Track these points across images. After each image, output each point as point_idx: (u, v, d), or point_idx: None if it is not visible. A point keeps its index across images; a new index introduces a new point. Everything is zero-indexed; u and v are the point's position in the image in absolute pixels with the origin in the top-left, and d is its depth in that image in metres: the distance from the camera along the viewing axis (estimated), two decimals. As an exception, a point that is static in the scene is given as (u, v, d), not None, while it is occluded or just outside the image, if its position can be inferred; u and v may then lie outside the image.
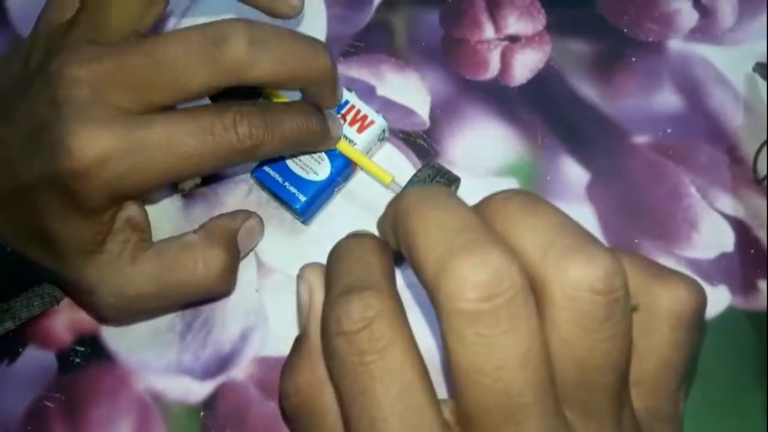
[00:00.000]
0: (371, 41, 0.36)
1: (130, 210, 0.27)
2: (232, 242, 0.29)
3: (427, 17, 0.37)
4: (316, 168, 0.31)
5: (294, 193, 0.31)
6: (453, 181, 0.31)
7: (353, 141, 0.32)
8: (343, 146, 0.31)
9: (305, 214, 0.32)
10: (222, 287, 0.29)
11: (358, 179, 0.33)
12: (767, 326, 0.30)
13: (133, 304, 0.27)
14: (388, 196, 0.34)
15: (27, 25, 0.39)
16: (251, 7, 0.30)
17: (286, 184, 0.31)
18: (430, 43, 0.36)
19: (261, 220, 0.31)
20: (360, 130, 0.32)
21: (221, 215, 0.30)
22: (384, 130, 0.33)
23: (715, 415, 0.29)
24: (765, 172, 0.33)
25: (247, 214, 0.31)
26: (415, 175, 0.30)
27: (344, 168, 0.32)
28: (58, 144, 0.24)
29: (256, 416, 0.30)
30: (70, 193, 0.25)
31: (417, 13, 0.37)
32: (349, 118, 0.32)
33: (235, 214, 0.31)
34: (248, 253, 0.32)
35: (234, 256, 0.29)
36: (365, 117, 0.32)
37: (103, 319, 0.28)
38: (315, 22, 0.36)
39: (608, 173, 0.34)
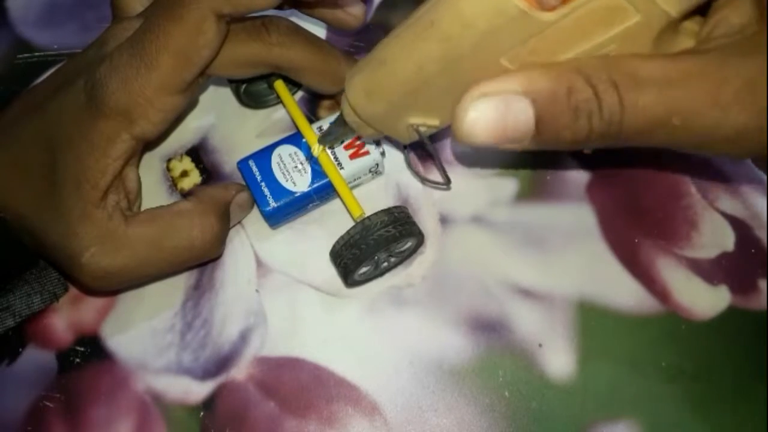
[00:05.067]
0: (371, 41, 0.36)
1: (126, 171, 0.28)
2: (225, 211, 0.30)
3: (427, 17, 0.37)
4: (296, 179, 0.31)
5: (266, 196, 0.31)
6: (407, 235, 0.29)
7: (342, 165, 0.31)
8: (327, 165, 0.31)
9: (272, 219, 0.31)
10: (213, 252, 0.30)
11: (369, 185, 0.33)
12: (767, 326, 0.30)
13: (126, 267, 0.27)
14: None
15: (27, 25, 0.39)
16: (315, 19, 0.31)
17: (263, 184, 0.31)
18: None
19: (251, 196, 0.32)
20: (353, 156, 0.31)
21: (213, 186, 0.31)
22: (378, 165, 0.32)
23: (715, 415, 0.29)
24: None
25: (240, 187, 0.31)
26: (367, 218, 0.29)
27: (324, 188, 0.31)
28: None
29: (256, 416, 0.30)
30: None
31: (417, 13, 0.37)
32: (346, 141, 0.31)
33: (227, 186, 0.31)
34: (235, 224, 0.33)
35: (225, 224, 0.30)
36: (362, 146, 0.31)
37: (88, 286, 0.28)
38: (315, 22, 0.36)
39: (608, 173, 0.34)
